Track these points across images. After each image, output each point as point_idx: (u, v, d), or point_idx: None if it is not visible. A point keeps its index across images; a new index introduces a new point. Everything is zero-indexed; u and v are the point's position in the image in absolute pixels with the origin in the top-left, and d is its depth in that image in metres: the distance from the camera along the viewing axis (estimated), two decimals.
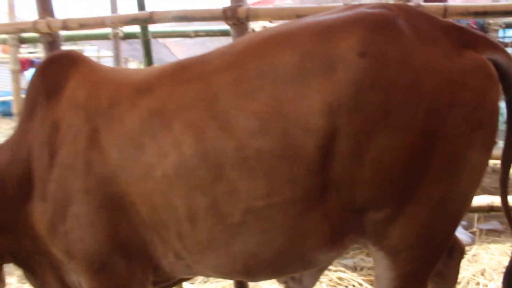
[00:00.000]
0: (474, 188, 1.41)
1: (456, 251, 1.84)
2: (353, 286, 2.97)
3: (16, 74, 3.58)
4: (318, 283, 2.91)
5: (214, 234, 1.45)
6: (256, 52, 1.38)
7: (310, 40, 1.33)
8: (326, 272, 3.09)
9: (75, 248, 1.57)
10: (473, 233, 3.55)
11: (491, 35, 3.61)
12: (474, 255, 3.15)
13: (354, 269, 3.28)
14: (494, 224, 3.80)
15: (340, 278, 3.07)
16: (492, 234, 3.63)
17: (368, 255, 3.49)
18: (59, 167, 1.55)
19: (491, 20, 3.64)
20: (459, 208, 1.42)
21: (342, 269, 3.24)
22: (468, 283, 2.83)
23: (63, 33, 2.87)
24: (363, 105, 1.26)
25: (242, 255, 1.48)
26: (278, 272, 1.59)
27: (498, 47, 1.40)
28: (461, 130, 1.31)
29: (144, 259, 1.60)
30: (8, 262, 1.80)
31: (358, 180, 1.32)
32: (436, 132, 1.29)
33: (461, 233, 3.50)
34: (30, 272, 1.83)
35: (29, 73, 9.56)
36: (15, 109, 3.66)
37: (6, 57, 9.21)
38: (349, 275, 3.12)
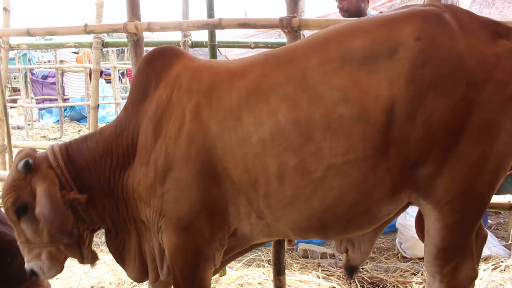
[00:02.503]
0: (510, 153, 1.64)
1: (480, 236, 2.03)
2: (385, 286, 3.16)
3: (97, 73, 4.09)
4: (353, 282, 3.14)
5: (298, 190, 1.70)
6: (335, 40, 1.71)
7: (377, 29, 1.66)
8: (359, 274, 3.30)
9: (168, 207, 1.84)
10: (508, 246, 3.63)
11: None
12: (507, 266, 3.24)
13: (386, 271, 3.47)
14: None
15: (371, 277, 3.27)
16: None
17: (399, 259, 3.67)
18: (164, 138, 1.84)
19: None
20: (496, 168, 1.64)
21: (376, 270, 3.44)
22: None
23: None
24: (417, 78, 1.58)
25: (320, 208, 1.72)
26: (348, 226, 1.81)
27: None
28: (495, 101, 1.58)
29: (224, 224, 1.87)
30: (105, 225, 2.07)
31: (412, 138, 1.60)
32: (474, 101, 1.57)
33: (496, 247, 3.60)
34: (116, 237, 2.11)
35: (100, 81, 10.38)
36: (92, 103, 4.19)
37: (79, 65, 10.11)
38: (382, 276, 3.32)
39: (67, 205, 1.90)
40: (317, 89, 1.67)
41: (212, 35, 3.08)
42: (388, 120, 1.61)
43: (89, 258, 2.10)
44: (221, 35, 4.60)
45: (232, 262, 3.48)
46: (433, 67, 1.57)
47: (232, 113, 1.76)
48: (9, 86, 12.50)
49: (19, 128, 10.26)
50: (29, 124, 9.87)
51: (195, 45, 3.89)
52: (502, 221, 4.49)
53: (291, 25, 2.45)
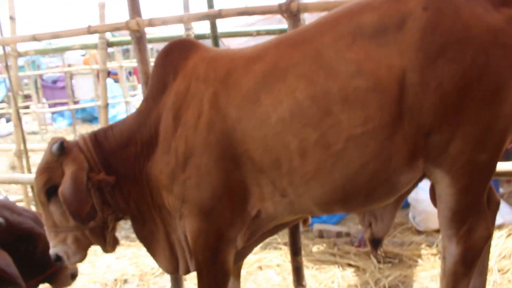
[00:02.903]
0: None
1: (493, 202, 2.10)
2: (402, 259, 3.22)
3: (104, 73, 4.17)
4: (367, 258, 3.20)
5: (320, 163, 1.75)
6: (345, 18, 1.77)
7: (385, 4, 1.71)
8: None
9: (190, 193, 1.91)
10: None
11: None
12: None
13: (401, 245, 3.52)
14: None
15: (386, 252, 3.33)
16: None
17: (413, 232, 3.72)
18: (183, 126, 1.90)
19: None
20: (504, 129, 1.70)
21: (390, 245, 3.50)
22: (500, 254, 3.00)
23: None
24: (426, 46, 1.63)
25: (342, 180, 1.77)
26: (369, 197, 1.85)
27: None
28: (503, 64, 1.64)
29: (245, 206, 1.93)
30: (130, 212, 2.12)
31: (425, 105, 1.65)
32: (483, 66, 1.62)
33: (509, 214, 3.62)
34: (144, 226, 2.16)
35: (108, 81, 10.48)
36: (102, 103, 4.28)
37: (87, 68, 10.22)
38: (397, 250, 3.37)
39: (95, 187, 2.00)
40: (332, 65, 1.72)
41: (213, 27, 3.14)
42: (401, 88, 1.66)
43: (111, 244, 2.17)
44: (223, 26, 4.64)
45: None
46: (441, 35, 1.63)
47: (250, 96, 1.82)
48: (21, 93, 12.68)
49: (33, 133, 10.46)
50: (42, 129, 10.06)
51: (198, 37, 3.91)
52: None
53: (290, 10, 2.49)
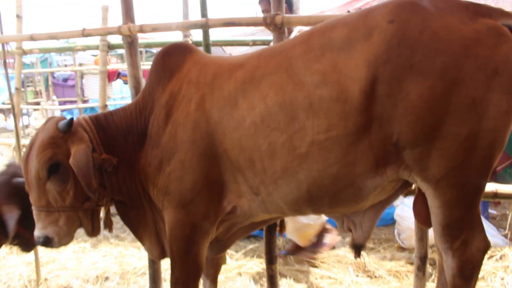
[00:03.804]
0: (503, 128, 1.67)
1: None
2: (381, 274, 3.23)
3: (104, 74, 4.27)
4: (346, 270, 3.22)
5: (287, 164, 1.85)
6: (318, 32, 1.85)
7: (355, 19, 1.77)
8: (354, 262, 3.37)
9: (173, 185, 2.02)
10: (507, 236, 3.64)
11: None
12: (502, 255, 3.26)
13: (383, 259, 3.53)
14: None
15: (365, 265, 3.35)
16: None
17: (397, 249, 3.71)
18: (173, 123, 2.04)
19: None
20: (489, 144, 1.66)
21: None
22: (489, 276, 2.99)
23: (142, 41, 3.50)
24: (392, 58, 1.64)
25: (307, 180, 1.85)
26: (336, 199, 1.90)
27: (511, 15, 1.67)
28: (477, 77, 1.59)
29: (220, 201, 2.04)
30: (121, 198, 2.20)
31: (393, 116, 1.67)
32: (454, 79, 1.60)
33: (494, 237, 3.61)
34: (131, 210, 2.25)
35: (117, 83, 10.65)
36: (100, 103, 4.38)
37: (97, 68, 10.39)
38: (376, 265, 3.38)
39: (96, 167, 2.07)
40: (300, 75, 1.81)
41: (206, 35, 3.21)
42: (367, 99, 1.69)
43: (98, 229, 2.22)
44: (224, 35, 4.73)
45: (233, 252, 3.61)
46: (407, 47, 1.63)
47: (230, 100, 1.94)
48: (34, 89, 12.92)
49: None
50: None
51: (196, 44, 4.02)
52: (507, 212, 4.47)
53: (274, 23, 2.54)
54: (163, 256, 2.32)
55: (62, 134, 2.05)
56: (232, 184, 2.02)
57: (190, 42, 4.01)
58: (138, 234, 2.33)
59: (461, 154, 1.67)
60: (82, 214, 2.14)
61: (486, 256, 3.18)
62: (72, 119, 2.08)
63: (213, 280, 2.57)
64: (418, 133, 1.68)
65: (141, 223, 2.29)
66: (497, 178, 3.67)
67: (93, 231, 2.21)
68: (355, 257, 2.31)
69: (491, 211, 4.46)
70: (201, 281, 2.41)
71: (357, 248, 2.27)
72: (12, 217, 2.21)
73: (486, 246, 1.82)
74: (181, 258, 2.11)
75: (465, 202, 1.77)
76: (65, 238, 2.12)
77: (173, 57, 2.19)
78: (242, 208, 2.06)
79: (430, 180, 1.75)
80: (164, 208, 2.11)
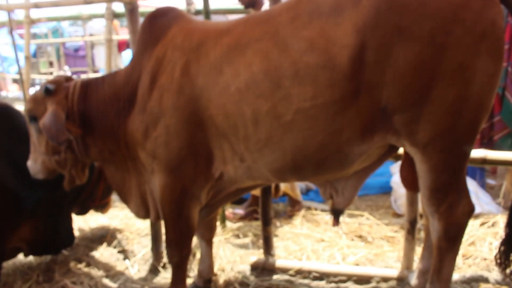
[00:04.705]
0: (488, 92, 1.69)
1: None
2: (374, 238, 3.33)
3: (109, 42, 4.33)
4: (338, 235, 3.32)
5: (271, 132, 1.86)
6: None
7: None
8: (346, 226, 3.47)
9: (160, 150, 2.10)
10: (499, 204, 3.70)
11: None
12: (494, 222, 3.32)
13: (377, 224, 3.62)
14: None
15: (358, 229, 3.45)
16: None
17: (392, 215, 3.80)
18: (158, 89, 2.08)
19: None
20: (476, 108, 1.70)
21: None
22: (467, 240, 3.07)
23: (146, 9, 3.55)
24: (381, 24, 1.65)
25: (292, 149, 1.87)
26: (321, 166, 1.93)
27: None
28: (465, 42, 1.61)
29: (209, 166, 2.10)
30: (102, 159, 2.41)
31: (381, 82, 1.68)
32: (443, 44, 1.61)
33: (488, 204, 3.67)
34: (116, 172, 2.42)
35: (126, 53, 10.70)
36: (106, 72, 4.45)
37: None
38: (370, 229, 3.48)
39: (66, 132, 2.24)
40: (287, 42, 1.80)
41: (206, 2, 3.26)
42: (356, 66, 1.69)
43: (71, 183, 2.47)
44: (228, 2, 4.73)
45: (232, 216, 3.74)
46: (396, 12, 1.63)
47: (216, 67, 1.95)
48: (47, 59, 13.03)
49: None
50: None
51: (198, 12, 4.05)
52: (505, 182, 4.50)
53: None
54: (147, 216, 2.45)
55: (42, 96, 2.25)
56: (218, 151, 2.05)
57: (193, 10, 4.04)
58: (123, 196, 2.47)
59: (448, 118, 1.70)
60: (55, 163, 2.35)
61: (478, 222, 3.31)
62: (48, 87, 2.24)
63: (208, 241, 2.69)
64: (406, 98, 1.69)
65: (125, 186, 2.41)
66: (494, 147, 3.70)
67: (67, 183, 2.46)
68: (333, 224, 2.37)
69: (490, 181, 4.50)
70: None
71: (336, 214, 2.33)
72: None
73: (471, 209, 1.88)
74: (173, 220, 2.20)
75: (452, 166, 1.81)
76: (38, 174, 2.42)
77: (159, 23, 2.21)
78: (228, 174, 2.10)
79: (418, 145, 1.78)
80: (154, 171, 2.18)
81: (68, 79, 2.40)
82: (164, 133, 2.06)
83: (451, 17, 1.60)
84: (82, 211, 3.17)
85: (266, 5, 3.82)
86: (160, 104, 2.06)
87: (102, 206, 3.22)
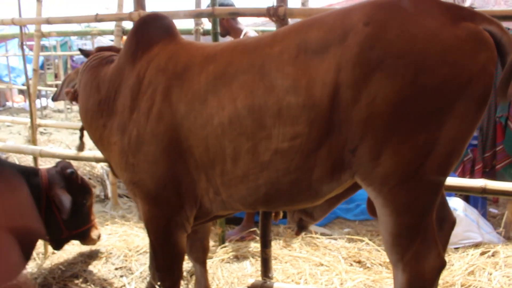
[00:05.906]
0: (465, 137, 1.60)
1: (447, 223, 2.03)
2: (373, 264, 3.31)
3: None
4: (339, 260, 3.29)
5: (248, 170, 1.81)
6: (295, 31, 1.75)
7: (333, 20, 1.68)
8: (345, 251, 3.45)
9: (137, 178, 2.04)
10: (500, 233, 3.68)
11: None
12: (495, 252, 3.30)
13: (377, 251, 3.60)
14: None
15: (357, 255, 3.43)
16: None
17: None
18: (138, 112, 2.00)
19: None
20: (447, 153, 1.58)
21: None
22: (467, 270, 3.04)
23: None
24: (363, 61, 1.55)
25: (266, 185, 1.82)
26: (292, 200, 1.88)
27: (493, 21, 1.59)
28: (449, 85, 1.51)
29: (191, 198, 2.02)
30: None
31: (355, 121, 1.58)
32: (424, 85, 1.51)
33: (490, 234, 3.65)
34: None
35: None
36: None
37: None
38: (369, 254, 3.46)
39: None
40: (271, 77, 1.72)
41: (214, 23, 3.31)
42: (333, 105, 1.62)
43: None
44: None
45: (231, 235, 3.72)
46: (380, 49, 1.54)
47: (200, 96, 1.87)
48: (54, 72, 13.16)
49: (59, 111, 10.95)
50: (68, 108, 10.47)
51: (207, 33, 4.11)
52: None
53: (277, 14, 2.63)
54: None
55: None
56: (196, 183, 1.98)
57: (201, 30, 4.11)
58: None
59: (415, 161, 1.59)
60: None
61: (479, 251, 3.29)
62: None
63: (203, 264, 2.65)
64: (378, 138, 1.60)
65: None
66: (497, 176, 3.70)
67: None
68: (296, 234, 2.34)
69: (492, 210, 4.48)
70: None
71: (301, 228, 2.29)
72: (67, 198, 2.64)
73: (442, 264, 1.71)
74: (161, 246, 2.16)
75: (417, 210, 1.67)
76: None
77: (146, 34, 2.14)
78: (205, 205, 2.04)
79: (380, 188, 1.66)
80: (135, 195, 2.13)
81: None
82: (142, 160, 2.00)
83: (439, 59, 1.51)
84: (57, 246, 2.99)
85: (251, 33, 3.89)
86: (139, 129, 2.00)
87: (80, 236, 3.00)
